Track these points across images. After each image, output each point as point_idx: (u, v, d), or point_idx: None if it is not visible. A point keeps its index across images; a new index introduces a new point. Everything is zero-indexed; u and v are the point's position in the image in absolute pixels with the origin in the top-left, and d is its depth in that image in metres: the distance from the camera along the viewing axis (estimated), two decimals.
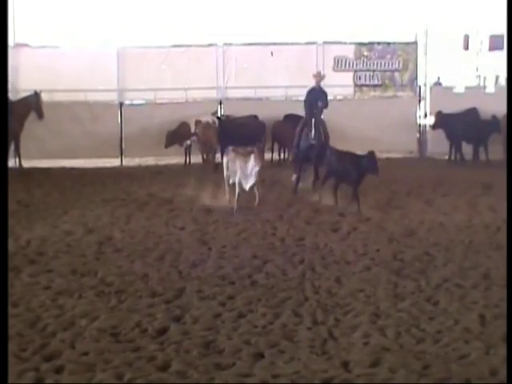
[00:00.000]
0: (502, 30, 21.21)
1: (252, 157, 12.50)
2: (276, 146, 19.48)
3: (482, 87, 21.96)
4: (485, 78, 22.06)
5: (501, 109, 18.54)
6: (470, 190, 14.80)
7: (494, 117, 19.01)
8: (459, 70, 21.92)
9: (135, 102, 20.88)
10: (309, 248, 10.37)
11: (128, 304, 7.81)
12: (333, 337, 6.91)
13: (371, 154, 12.95)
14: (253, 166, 12.47)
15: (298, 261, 9.61)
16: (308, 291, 8.32)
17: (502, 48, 21.41)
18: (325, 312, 7.58)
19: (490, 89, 21.91)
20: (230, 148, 13.32)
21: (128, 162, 20.04)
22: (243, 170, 12.63)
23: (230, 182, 13.16)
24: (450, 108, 19.67)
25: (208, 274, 9.02)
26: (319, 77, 15.30)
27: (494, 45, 21.22)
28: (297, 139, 14.86)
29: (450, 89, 22.02)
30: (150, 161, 19.77)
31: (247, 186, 12.69)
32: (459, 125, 19.29)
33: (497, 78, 22.03)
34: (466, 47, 21.58)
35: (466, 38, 21.46)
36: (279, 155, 19.49)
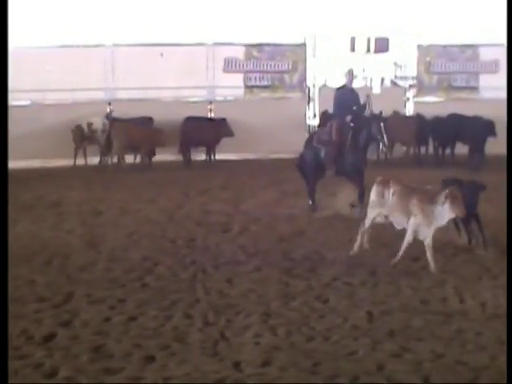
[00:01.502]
0: (387, 32, 21.76)
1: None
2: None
3: (369, 88, 22.44)
4: (371, 80, 22.52)
5: (386, 109, 18.97)
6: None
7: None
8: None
9: (23, 103, 20.35)
10: (200, 249, 10.35)
11: (13, 310, 7.58)
12: (224, 337, 6.91)
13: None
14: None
15: (189, 262, 9.58)
16: (199, 292, 8.30)
17: (387, 50, 21.95)
18: (216, 313, 7.57)
19: (376, 90, 22.41)
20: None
21: (14, 164, 19.48)
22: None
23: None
24: None
25: (97, 277, 8.88)
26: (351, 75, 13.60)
27: (379, 47, 21.74)
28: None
29: None
30: (36, 163, 19.31)
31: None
32: None
33: (382, 79, 22.56)
34: (353, 49, 22.01)
35: (353, 40, 21.88)
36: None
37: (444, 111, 19.66)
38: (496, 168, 16.95)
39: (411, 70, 21.95)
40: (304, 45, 21.59)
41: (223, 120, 19.35)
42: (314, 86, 21.70)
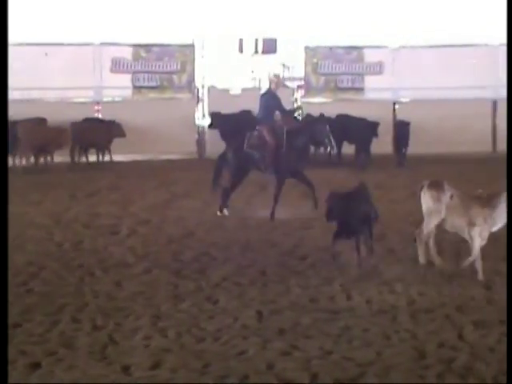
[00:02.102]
0: (275, 33, 21.98)
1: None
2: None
3: (258, 89, 22.60)
4: (260, 80, 22.71)
5: None
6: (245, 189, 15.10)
7: None
8: (235, 73, 22.42)
9: None
10: (87, 252, 10.18)
11: None
12: (113, 341, 6.81)
13: None
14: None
15: (76, 265, 9.40)
16: (87, 296, 8.16)
17: (274, 51, 22.17)
18: (105, 316, 7.45)
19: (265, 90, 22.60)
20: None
21: None
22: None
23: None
24: (227, 109, 20.09)
25: None
26: (277, 80, 13.70)
27: (267, 48, 21.94)
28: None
29: (226, 91, 22.46)
30: None
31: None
32: (232, 125, 19.76)
33: None
34: (241, 50, 22.14)
35: (241, 41, 22.00)
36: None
37: (331, 112, 19.99)
38: (382, 167, 17.42)
39: (299, 71, 22.22)
40: (192, 45, 21.55)
41: (113, 121, 19.18)
42: (202, 86, 21.69)
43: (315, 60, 22.07)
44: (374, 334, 6.95)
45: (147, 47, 21.30)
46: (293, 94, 22.03)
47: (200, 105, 21.52)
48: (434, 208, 9.11)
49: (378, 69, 22.14)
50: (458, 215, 8.98)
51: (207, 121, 20.87)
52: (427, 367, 6.14)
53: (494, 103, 21.57)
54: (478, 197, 9.04)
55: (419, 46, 22.00)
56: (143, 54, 21.21)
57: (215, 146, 20.56)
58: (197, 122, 21.54)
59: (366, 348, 6.59)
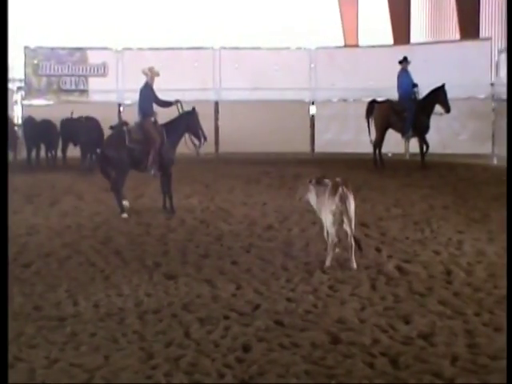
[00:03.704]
0: None
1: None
2: None
3: None
4: None
5: None
6: None
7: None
8: None
9: None
10: None
11: None
12: None
13: None
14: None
15: None
16: None
17: None
18: None
19: None
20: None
21: None
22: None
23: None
24: None
25: None
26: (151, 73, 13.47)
27: None
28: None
29: None
30: None
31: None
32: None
33: None
34: None
35: None
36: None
37: (54, 114, 19.60)
38: None
39: (19, 71, 21.51)
40: None
41: None
42: None
43: (36, 61, 21.48)
44: (101, 338, 6.85)
45: None
46: (12, 96, 21.24)
47: None
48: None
49: (102, 70, 21.98)
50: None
51: None
52: (155, 367, 6.16)
53: (216, 105, 22.21)
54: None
55: (144, 48, 22.17)
56: None
57: None
58: None
59: (93, 353, 6.48)
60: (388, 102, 19.07)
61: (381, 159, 18.94)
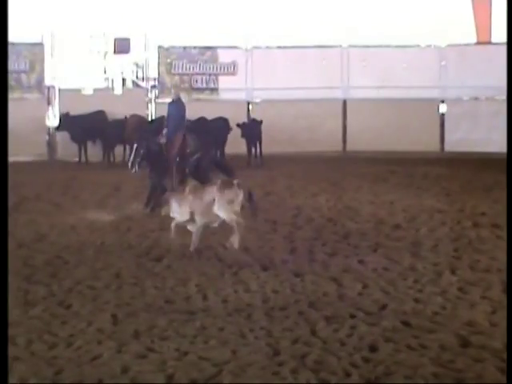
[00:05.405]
0: (128, 33, 21.73)
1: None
2: None
3: (111, 89, 22.29)
4: (113, 81, 22.39)
5: (128, 110, 19.21)
6: (98, 191, 14.88)
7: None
8: (87, 72, 22.02)
9: None
10: None
11: None
12: None
13: None
14: None
15: None
16: None
17: (128, 51, 21.93)
18: None
19: (118, 91, 22.34)
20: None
21: None
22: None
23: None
24: (78, 110, 19.70)
25: None
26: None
27: (119, 48, 21.66)
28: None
29: (78, 91, 21.99)
30: None
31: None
32: (83, 126, 19.43)
33: (124, 80, 22.52)
34: (93, 49, 21.78)
35: (93, 40, 21.64)
36: None
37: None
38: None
39: (153, 71, 22.06)
40: (41, 44, 20.98)
41: None
42: (53, 86, 21.14)
43: (169, 60, 21.99)
44: (229, 332, 6.97)
45: None
46: (147, 94, 21.85)
47: (51, 105, 20.97)
48: None
49: (231, 69, 22.28)
50: None
51: (57, 122, 20.38)
52: (281, 363, 6.21)
53: (344, 103, 22.12)
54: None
55: (272, 47, 22.31)
56: None
57: (67, 147, 20.23)
58: (47, 122, 20.98)
59: (221, 347, 6.60)
60: None
61: None
